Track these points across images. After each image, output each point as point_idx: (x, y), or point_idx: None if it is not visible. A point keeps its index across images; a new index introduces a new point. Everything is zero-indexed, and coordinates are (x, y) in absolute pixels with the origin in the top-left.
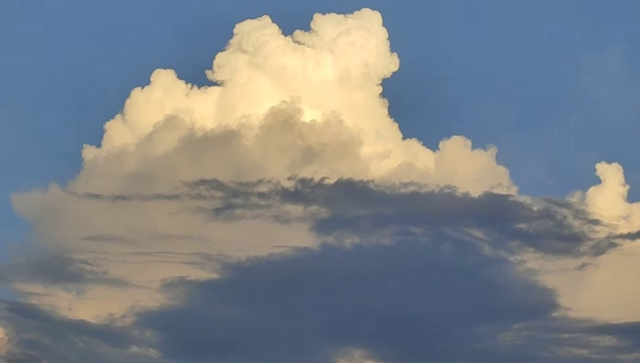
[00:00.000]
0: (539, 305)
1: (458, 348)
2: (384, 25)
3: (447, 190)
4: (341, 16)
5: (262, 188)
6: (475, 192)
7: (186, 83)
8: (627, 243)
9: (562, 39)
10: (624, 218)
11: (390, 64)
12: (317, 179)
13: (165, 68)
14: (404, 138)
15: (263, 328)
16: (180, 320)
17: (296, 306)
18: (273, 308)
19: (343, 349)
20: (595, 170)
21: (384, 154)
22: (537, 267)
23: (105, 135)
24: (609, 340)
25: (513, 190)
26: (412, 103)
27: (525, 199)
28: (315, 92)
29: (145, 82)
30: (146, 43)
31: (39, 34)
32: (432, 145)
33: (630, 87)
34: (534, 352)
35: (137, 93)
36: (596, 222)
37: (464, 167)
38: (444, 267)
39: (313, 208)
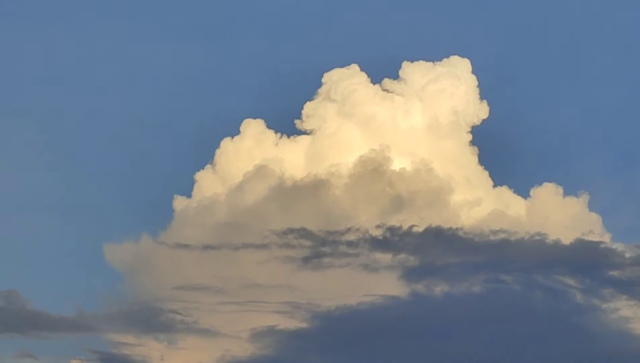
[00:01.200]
0: (633, 353)
1: None
2: (473, 72)
3: (537, 237)
4: (430, 64)
5: (351, 237)
6: (567, 239)
7: (275, 132)
8: None
9: None
10: None
11: (479, 111)
12: (405, 226)
13: (254, 118)
14: (494, 186)
15: None
16: None
17: (386, 355)
18: (363, 357)
19: None
20: None
21: (475, 202)
22: (631, 314)
23: (196, 185)
24: None
25: (606, 237)
26: (502, 150)
27: (617, 246)
28: (405, 140)
29: (235, 132)
30: (235, 93)
31: (129, 83)
32: (523, 193)
33: None
34: None
35: (226, 143)
36: None
37: (556, 214)
38: (536, 315)
39: (402, 256)
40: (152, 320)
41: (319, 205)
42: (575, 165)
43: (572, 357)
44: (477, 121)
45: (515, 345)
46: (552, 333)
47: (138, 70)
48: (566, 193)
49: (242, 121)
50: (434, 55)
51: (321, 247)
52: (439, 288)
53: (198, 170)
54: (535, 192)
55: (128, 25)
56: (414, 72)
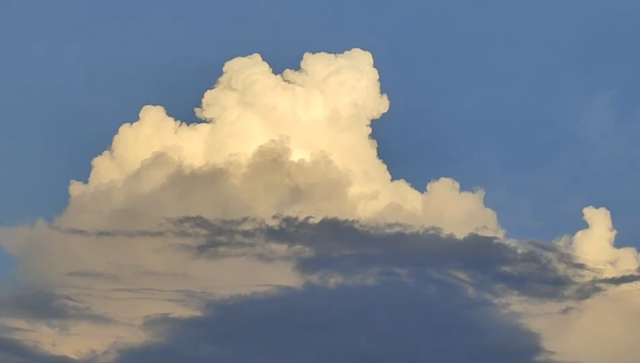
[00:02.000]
0: (523, 348)
1: None
2: (374, 66)
3: (432, 232)
4: (332, 56)
5: (247, 227)
6: (461, 234)
7: (175, 120)
8: (612, 288)
9: (553, 83)
10: (611, 263)
11: (380, 105)
12: (301, 218)
13: (154, 105)
14: (392, 179)
15: None
16: (162, 358)
17: (279, 345)
18: (256, 347)
19: None
20: (582, 214)
21: (372, 195)
22: (522, 310)
23: (93, 171)
24: None
25: (500, 233)
26: (401, 144)
27: (510, 242)
28: (304, 131)
29: (134, 118)
30: (135, 79)
31: (28, 68)
32: (420, 187)
33: (619, 132)
34: None
35: (125, 129)
36: (581, 267)
37: (451, 209)
38: (428, 308)
39: (297, 247)
40: (45, 306)
41: (217, 194)
42: (472, 161)
43: (463, 351)
44: (376, 115)
45: (407, 339)
46: (444, 327)
47: (36, 56)
48: (462, 188)
49: (141, 108)
50: (336, 47)
51: (217, 236)
52: (333, 280)
53: (95, 156)
54: (432, 186)
55: (26, 13)
56: (316, 63)
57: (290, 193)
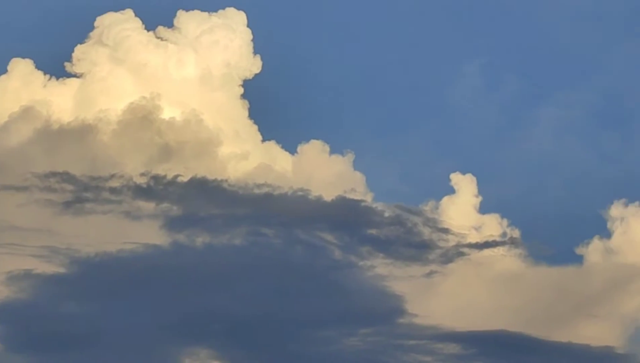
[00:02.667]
0: (387, 310)
1: (305, 352)
2: (248, 26)
3: (300, 193)
4: (205, 14)
5: (114, 184)
6: (329, 196)
7: (44, 74)
8: (475, 253)
9: (424, 49)
10: (475, 228)
11: (252, 66)
12: (170, 176)
13: (23, 57)
14: (263, 140)
15: (109, 325)
16: (24, 314)
17: (144, 304)
18: (120, 305)
19: (189, 349)
20: (449, 180)
21: (242, 155)
22: (386, 272)
23: None
24: (453, 348)
25: (368, 197)
26: (273, 106)
27: (378, 205)
28: (176, 89)
29: (2, 70)
30: (4, 31)
31: None
32: (291, 149)
33: (487, 100)
34: (379, 358)
35: None
36: (446, 231)
37: (321, 172)
38: (295, 270)
39: (165, 205)
40: None
41: (85, 150)
42: (342, 125)
43: (328, 313)
44: (249, 75)
45: (273, 299)
46: (310, 289)
47: None
48: (332, 151)
49: (10, 60)
50: (210, 6)
51: (84, 192)
52: (201, 239)
53: None
54: (302, 148)
55: None
56: (189, 21)
57: (159, 151)
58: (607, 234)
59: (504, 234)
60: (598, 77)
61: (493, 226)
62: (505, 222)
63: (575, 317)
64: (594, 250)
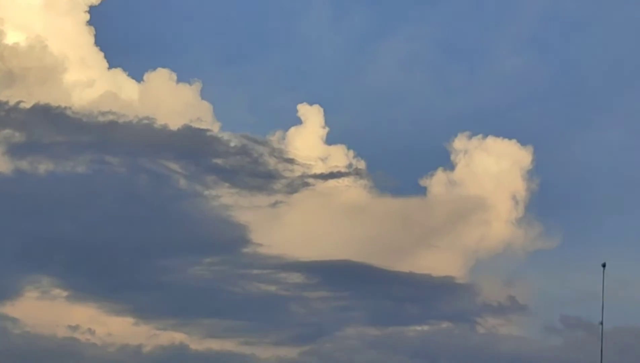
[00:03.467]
0: (231, 240)
1: (149, 280)
2: None
3: (145, 122)
4: None
5: None
6: (175, 125)
7: None
8: (320, 184)
9: None
10: (322, 159)
11: None
12: (12, 102)
13: None
14: (109, 67)
15: None
16: None
17: None
18: None
19: (31, 277)
20: (296, 110)
21: (88, 83)
22: (232, 202)
23: None
24: (297, 277)
25: (216, 126)
26: (120, 33)
27: (224, 135)
28: (20, 14)
29: None
30: None
31: None
32: (137, 76)
33: (335, 31)
34: (223, 287)
35: None
36: (291, 161)
37: (168, 100)
38: (139, 199)
39: (7, 132)
40: None
41: None
42: (190, 53)
43: (172, 242)
44: (95, 1)
45: (117, 228)
46: (155, 218)
47: None
48: (179, 79)
49: None
50: None
51: None
52: (44, 167)
53: None
54: (149, 76)
55: None
56: None
57: (2, 77)
58: (450, 166)
59: (350, 165)
60: (445, 10)
61: (339, 157)
62: (351, 153)
63: (418, 248)
64: (437, 182)
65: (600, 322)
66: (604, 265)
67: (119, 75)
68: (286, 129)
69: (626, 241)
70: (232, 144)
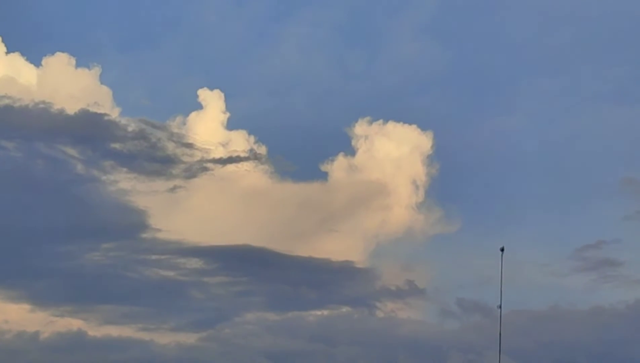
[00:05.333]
0: (129, 225)
1: (45, 267)
2: None
3: (42, 106)
4: None
5: None
6: (72, 110)
7: None
8: (219, 169)
9: None
10: (223, 145)
11: None
12: None
13: None
14: (7, 52)
15: None
16: None
17: None
18: None
19: None
20: (197, 95)
21: None
22: (129, 187)
23: None
24: (196, 263)
25: (115, 111)
26: (17, 16)
27: (121, 120)
28: None
29: None
30: None
31: None
32: (36, 61)
33: (236, 16)
34: (121, 272)
35: None
36: (190, 146)
37: (67, 85)
38: (36, 183)
39: None
40: None
41: None
42: (89, 38)
43: (68, 228)
44: None
45: (13, 213)
46: (51, 203)
47: None
48: (79, 64)
49: None
50: None
51: None
52: None
53: None
54: (47, 61)
55: None
56: None
57: None
58: (351, 151)
59: (251, 151)
60: None
61: (240, 142)
62: (252, 138)
63: (318, 233)
64: (338, 167)
65: (498, 306)
66: (502, 250)
67: (17, 59)
68: (187, 114)
69: (524, 226)
70: (130, 129)
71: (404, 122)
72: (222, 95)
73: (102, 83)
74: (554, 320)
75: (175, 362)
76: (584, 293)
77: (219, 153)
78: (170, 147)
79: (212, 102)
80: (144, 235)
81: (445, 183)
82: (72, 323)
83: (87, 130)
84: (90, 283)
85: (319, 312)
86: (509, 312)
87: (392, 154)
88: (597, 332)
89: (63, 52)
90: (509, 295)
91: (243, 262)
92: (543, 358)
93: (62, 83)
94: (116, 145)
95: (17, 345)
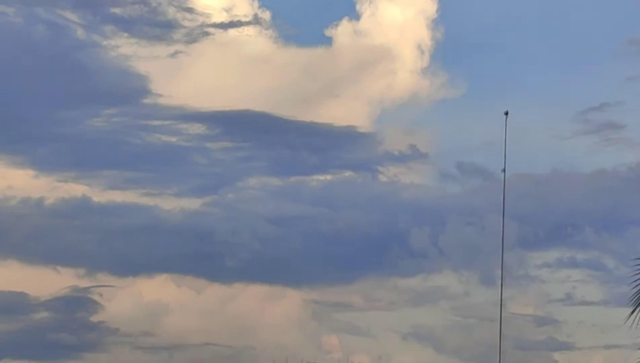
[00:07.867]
0: (131, 91)
1: (47, 133)
2: None
3: None
4: None
5: None
6: None
7: None
8: (220, 34)
9: None
10: (226, 10)
11: None
12: None
13: None
14: None
15: None
16: None
17: None
18: None
19: None
20: None
21: None
22: (130, 52)
23: None
24: (198, 128)
25: None
26: None
27: None
28: None
29: None
30: None
31: None
32: None
33: None
34: (123, 138)
35: None
36: (190, 10)
37: None
38: (36, 49)
39: None
40: None
41: None
42: None
43: (69, 94)
44: None
45: (14, 80)
46: (51, 69)
47: None
48: None
49: None
50: None
51: None
52: None
53: None
54: None
55: None
56: None
57: None
58: (355, 15)
59: (255, 15)
60: None
61: (244, 7)
62: (256, 3)
63: (321, 98)
64: (342, 31)
65: (502, 170)
66: (506, 113)
67: None
68: None
69: (529, 89)
70: None
71: None
72: None
73: None
74: (556, 183)
75: (180, 226)
76: (586, 156)
77: (220, 17)
78: (171, 12)
79: None
80: (146, 101)
81: (451, 47)
82: (76, 189)
83: None
84: (92, 149)
85: (321, 177)
86: (512, 175)
87: (397, 18)
88: (599, 195)
89: None
90: (512, 158)
91: (245, 127)
92: (545, 220)
93: None
94: (116, 10)
95: (22, 211)
